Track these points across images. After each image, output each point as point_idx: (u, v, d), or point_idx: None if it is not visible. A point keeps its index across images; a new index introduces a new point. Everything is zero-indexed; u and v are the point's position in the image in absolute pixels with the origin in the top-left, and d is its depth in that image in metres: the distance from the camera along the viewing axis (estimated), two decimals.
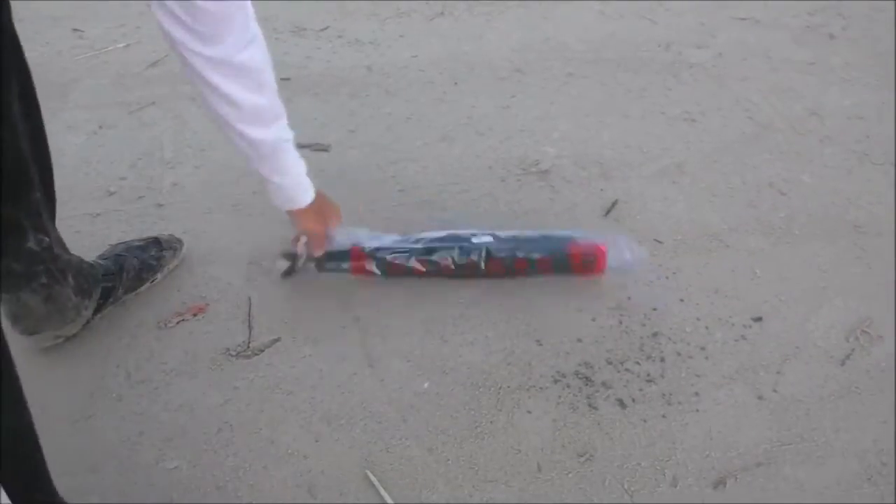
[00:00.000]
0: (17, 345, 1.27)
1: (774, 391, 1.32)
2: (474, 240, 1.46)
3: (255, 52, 1.01)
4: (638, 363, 1.36)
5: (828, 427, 1.26)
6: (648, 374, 1.34)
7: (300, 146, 1.66)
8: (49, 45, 2.32)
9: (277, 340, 1.38)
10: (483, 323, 1.43)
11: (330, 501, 1.13)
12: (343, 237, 1.44)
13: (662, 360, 1.37)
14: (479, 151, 1.90)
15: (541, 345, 1.39)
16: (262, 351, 1.36)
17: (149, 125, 1.98)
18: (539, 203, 1.73)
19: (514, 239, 1.48)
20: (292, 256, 1.44)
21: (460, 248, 1.44)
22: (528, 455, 1.20)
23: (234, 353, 1.35)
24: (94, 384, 1.29)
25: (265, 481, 1.15)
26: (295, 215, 1.31)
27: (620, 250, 1.46)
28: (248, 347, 1.36)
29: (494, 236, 1.47)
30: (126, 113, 2.02)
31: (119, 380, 1.30)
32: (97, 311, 1.35)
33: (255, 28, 1.00)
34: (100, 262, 1.38)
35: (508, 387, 1.31)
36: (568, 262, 1.48)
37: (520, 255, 1.45)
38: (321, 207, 1.33)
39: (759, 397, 1.31)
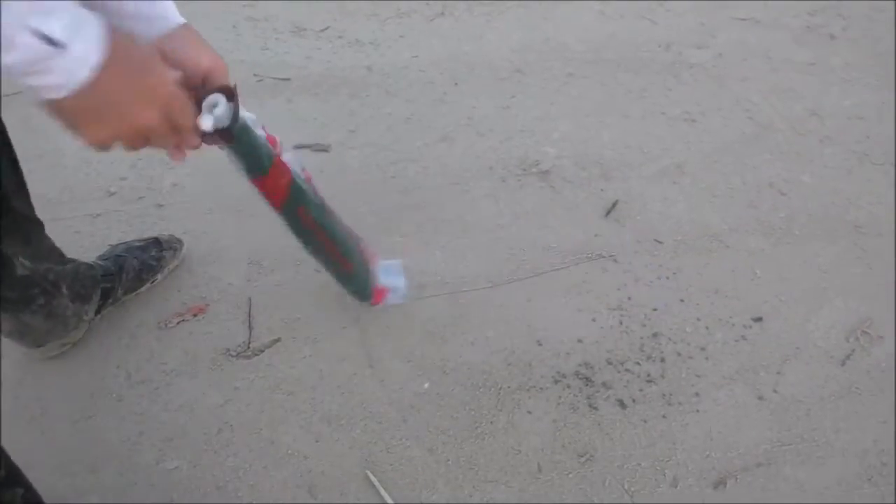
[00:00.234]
0: (18, 346, 1.27)
1: (775, 391, 1.32)
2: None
3: None
4: (638, 363, 1.36)
5: (828, 427, 1.26)
6: (649, 375, 1.34)
7: (300, 146, 1.65)
8: None
9: (277, 341, 1.38)
10: (483, 323, 1.43)
11: (330, 502, 1.13)
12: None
13: (663, 360, 1.37)
14: (479, 152, 1.90)
15: (541, 345, 1.39)
16: (263, 351, 1.36)
17: None
18: (539, 203, 1.73)
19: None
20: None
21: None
22: (528, 455, 1.20)
23: (234, 354, 1.35)
24: (94, 384, 1.29)
25: (265, 481, 1.15)
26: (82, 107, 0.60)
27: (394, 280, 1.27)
28: (249, 348, 1.36)
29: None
30: None
31: (119, 380, 1.30)
32: (98, 311, 1.35)
33: None
34: (99, 262, 1.38)
35: (509, 387, 1.31)
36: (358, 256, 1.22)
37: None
38: (139, 65, 0.62)
39: (760, 397, 1.31)
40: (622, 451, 1.21)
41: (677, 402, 1.29)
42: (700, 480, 1.17)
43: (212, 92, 0.76)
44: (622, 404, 1.28)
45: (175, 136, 0.69)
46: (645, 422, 1.26)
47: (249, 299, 1.46)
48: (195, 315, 1.43)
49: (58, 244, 1.26)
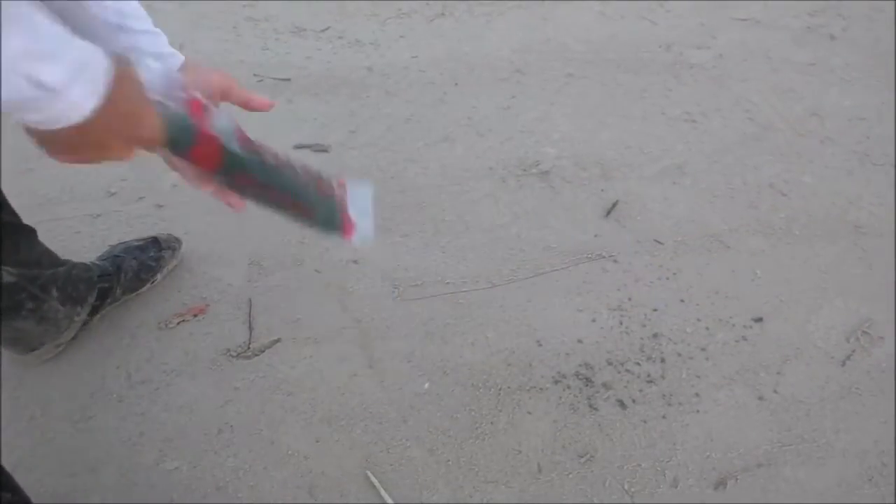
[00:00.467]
0: (13, 354, 1.27)
1: (775, 392, 1.32)
2: None
3: None
4: (638, 364, 1.36)
5: (828, 428, 1.26)
6: (649, 375, 1.34)
7: (300, 146, 1.65)
8: None
9: (278, 341, 1.38)
10: (483, 323, 1.43)
11: (330, 502, 1.13)
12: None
13: (663, 360, 1.37)
14: (479, 152, 1.90)
15: (541, 345, 1.39)
16: (263, 352, 1.36)
17: None
18: (539, 203, 1.73)
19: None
20: None
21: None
22: (528, 456, 1.20)
23: (234, 354, 1.35)
24: (94, 385, 1.29)
25: (265, 482, 1.15)
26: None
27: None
28: (249, 348, 1.36)
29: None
30: None
31: (119, 381, 1.30)
32: (95, 311, 1.35)
33: None
34: (97, 263, 1.38)
35: (509, 387, 1.31)
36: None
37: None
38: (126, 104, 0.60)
39: (760, 398, 1.31)
40: (622, 451, 1.21)
41: (677, 403, 1.29)
42: (700, 481, 1.17)
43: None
44: (622, 405, 1.28)
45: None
46: (645, 422, 1.25)
47: (249, 300, 1.46)
48: (195, 315, 1.42)
49: (58, 244, 1.26)
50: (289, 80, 2.13)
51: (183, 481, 1.15)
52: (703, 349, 1.39)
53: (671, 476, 1.17)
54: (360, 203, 1.14)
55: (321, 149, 1.88)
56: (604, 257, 1.59)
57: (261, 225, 1.62)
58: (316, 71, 2.21)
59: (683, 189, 1.80)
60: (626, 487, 1.16)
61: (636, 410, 1.27)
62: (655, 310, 1.47)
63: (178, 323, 1.41)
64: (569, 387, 1.31)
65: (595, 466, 1.18)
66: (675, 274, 1.55)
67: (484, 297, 1.48)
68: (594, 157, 1.89)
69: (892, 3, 2.68)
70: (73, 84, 0.51)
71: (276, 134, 1.91)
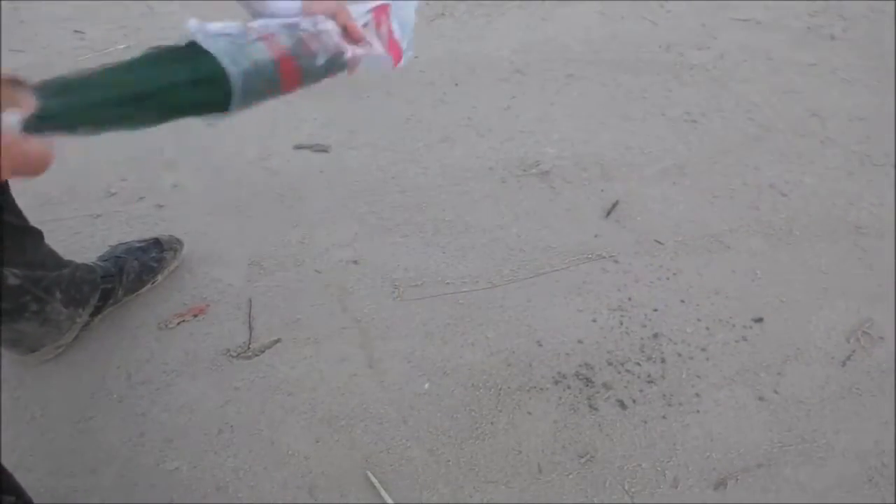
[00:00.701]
0: (14, 354, 1.27)
1: (775, 392, 1.32)
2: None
3: None
4: (638, 364, 1.36)
5: (828, 428, 1.26)
6: (649, 375, 1.34)
7: (300, 147, 1.65)
8: (50, 46, 2.32)
9: (278, 341, 1.38)
10: (483, 324, 1.43)
11: (330, 502, 1.13)
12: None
13: (663, 361, 1.37)
14: (479, 152, 1.90)
15: (541, 346, 1.39)
16: (263, 352, 1.36)
17: None
18: (539, 204, 1.73)
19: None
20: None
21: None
22: (528, 456, 1.20)
23: (234, 354, 1.35)
24: (94, 385, 1.29)
25: (265, 482, 1.15)
26: None
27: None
28: (249, 348, 1.36)
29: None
30: None
31: (120, 381, 1.30)
32: (96, 312, 1.35)
33: None
34: (99, 263, 1.38)
35: (509, 388, 1.31)
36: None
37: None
38: None
39: (760, 398, 1.31)
40: (622, 451, 1.21)
41: (678, 403, 1.29)
42: (700, 481, 1.17)
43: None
44: (622, 405, 1.28)
45: None
46: (645, 422, 1.25)
47: (250, 300, 1.46)
48: (195, 316, 1.43)
49: (58, 244, 1.26)
50: None
51: (183, 481, 1.15)
52: (703, 349, 1.39)
53: (671, 476, 1.17)
54: (403, 14, 1.04)
55: (321, 149, 1.88)
56: (604, 257, 1.59)
57: (261, 225, 1.63)
58: None
59: (684, 189, 1.80)
60: (626, 488, 1.16)
61: (636, 411, 1.27)
62: (656, 310, 1.47)
63: (179, 323, 1.41)
64: (569, 387, 1.31)
65: (595, 467, 1.18)
66: (675, 274, 1.55)
67: (484, 297, 1.48)
68: (594, 157, 1.89)
69: (892, 3, 2.68)
70: None
71: (276, 134, 1.91)
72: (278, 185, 1.75)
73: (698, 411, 1.28)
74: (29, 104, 0.58)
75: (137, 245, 1.48)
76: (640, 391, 1.31)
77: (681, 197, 1.77)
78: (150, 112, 0.70)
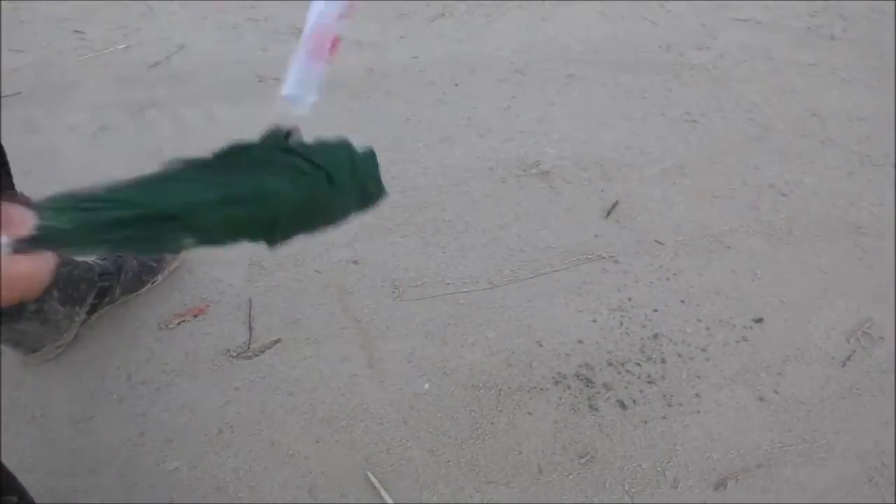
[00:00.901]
0: (16, 354, 1.27)
1: (775, 392, 1.32)
2: None
3: None
4: (639, 364, 1.36)
5: (829, 428, 1.26)
6: (649, 376, 1.34)
7: None
8: (50, 46, 2.32)
9: (278, 342, 1.38)
10: (483, 324, 1.42)
11: (330, 502, 1.13)
12: None
13: (663, 361, 1.37)
14: (479, 152, 1.90)
15: (541, 346, 1.39)
16: (263, 352, 1.36)
17: (150, 126, 1.98)
18: (539, 204, 1.73)
19: None
20: None
21: None
22: (528, 456, 1.20)
23: (234, 355, 1.35)
24: (94, 385, 1.29)
25: (266, 482, 1.15)
26: None
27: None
28: (249, 348, 1.36)
29: None
30: (127, 114, 2.03)
31: (120, 381, 1.30)
32: (94, 310, 1.35)
33: None
34: (98, 262, 1.38)
35: (509, 388, 1.31)
36: None
37: None
38: None
39: (760, 398, 1.31)
40: (623, 452, 1.21)
41: (678, 403, 1.29)
42: (701, 481, 1.17)
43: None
44: (623, 405, 1.28)
45: None
46: (645, 423, 1.25)
47: (250, 300, 1.46)
48: (195, 316, 1.42)
49: None
50: None
51: (183, 482, 1.15)
52: (703, 350, 1.39)
53: (671, 476, 1.17)
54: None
55: None
56: (604, 258, 1.58)
57: None
58: None
59: (684, 189, 1.80)
60: (626, 488, 1.16)
61: (636, 411, 1.27)
62: (656, 310, 1.47)
63: (179, 323, 1.41)
64: (569, 387, 1.31)
65: (595, 467, 1.18)
66: (675, 274, 1.55)
67: (484, 297, 1.48)
68: (594, 157, 1.89)
69: (892, 3, 2.68)
70: None
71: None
72: None
73: (698, 411, 1.28)
74: (25, 224, 0.57)
75: None
76: (641, 391, 1.31)
77: (681, 197, 1.77)
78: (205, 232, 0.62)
